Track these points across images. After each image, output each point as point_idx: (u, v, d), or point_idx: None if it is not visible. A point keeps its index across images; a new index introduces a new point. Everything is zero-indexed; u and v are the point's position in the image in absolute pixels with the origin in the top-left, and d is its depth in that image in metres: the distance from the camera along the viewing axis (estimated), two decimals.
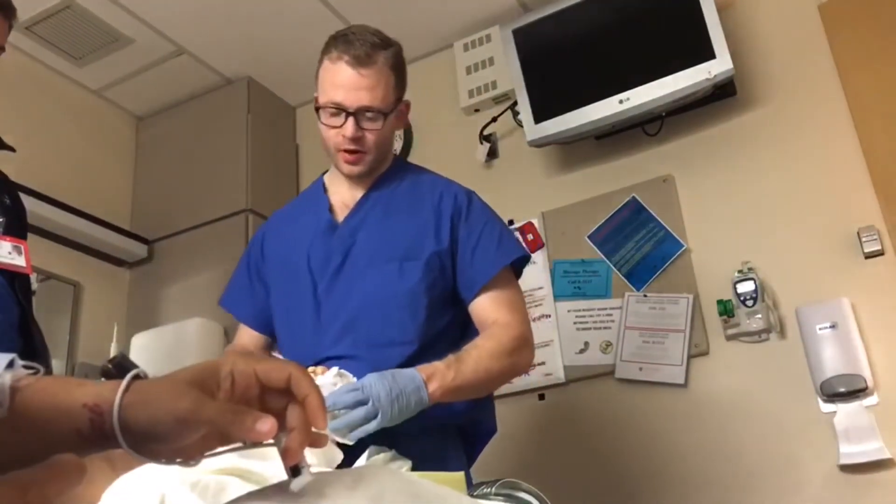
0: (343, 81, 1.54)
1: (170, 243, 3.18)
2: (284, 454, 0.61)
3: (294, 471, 0.61)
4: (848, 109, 2.46)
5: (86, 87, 3.27)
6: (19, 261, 1.48)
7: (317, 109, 1.59)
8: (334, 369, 1.42)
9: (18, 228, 1.55)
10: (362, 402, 1.30)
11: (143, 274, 3.20)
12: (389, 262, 1.58)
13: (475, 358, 1.46)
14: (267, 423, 0.58)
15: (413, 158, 3.15)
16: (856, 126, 2.43)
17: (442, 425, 1.53)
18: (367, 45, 1.55)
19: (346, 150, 1.59)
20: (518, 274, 1.68)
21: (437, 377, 1.39)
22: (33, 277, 2.82)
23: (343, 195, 1.69)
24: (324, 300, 1.60)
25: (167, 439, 0.59)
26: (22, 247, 1.50)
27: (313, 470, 0.62)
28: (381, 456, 0.90)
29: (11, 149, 1.51)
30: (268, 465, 0.82)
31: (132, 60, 3.14)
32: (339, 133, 1.57)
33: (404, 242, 1.61)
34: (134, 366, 0.62)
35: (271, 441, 0.60)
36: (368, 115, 1.56)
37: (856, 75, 2.47)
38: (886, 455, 2.12)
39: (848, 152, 2.42)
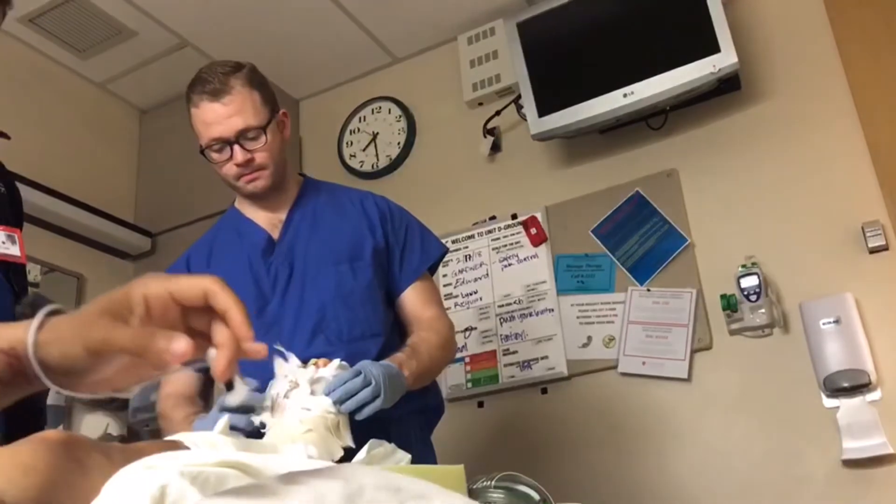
0: (212, 118, 1.63)
1: (173, 236, 3.17)
2: (216, 373, 0.58)
3: (228, 387, 0.60)
4: (853, 103, 2.44)
5: (89, 79, 3.27)
6: (13, 250, 1.45)
7: (203, 153, 1.68)
8: (336, 361, 1.44)
9: (13, 217, 1.53)
10: (367, 384, 1.39)
11: (146, 267, 3.19)
12: (338, 264, 1.69)
13: (426, 349, 1.63)
14: (181, 342, 0.55)
15: (416, 151, 3.16)
16: (861, 120, 2.42)
17: (418, 409, 1.68)
18: (220, 76, 1.64)
19: (243, 175, 1.68)
20: (436, 266, 1.85)
21: (404, 366, 1.52)
22: (37, 269, 2.87)
23: (267, 217, 1.77)
24: (280, 313, 1.67)
25: (85, 372, 0.57)
26: (16, 235, 1.47)
27: (313, 462, 0.62)
28: (381, 450, 0.90)
29: (6, 136, 1.49)
30: (268, 460, 0.82)
31: (136, 53, 3.13)
32: (230, 164, 1.66)
33: (346, 245, 1.72)
34: (48, 303, 0.61)
35: (202, 359, 0.58)
36: (249, 135, 1.64)
37: (861, 69, 2.46)
38: (889, 450, 2.11)
39: (853, 147, 2.41)
